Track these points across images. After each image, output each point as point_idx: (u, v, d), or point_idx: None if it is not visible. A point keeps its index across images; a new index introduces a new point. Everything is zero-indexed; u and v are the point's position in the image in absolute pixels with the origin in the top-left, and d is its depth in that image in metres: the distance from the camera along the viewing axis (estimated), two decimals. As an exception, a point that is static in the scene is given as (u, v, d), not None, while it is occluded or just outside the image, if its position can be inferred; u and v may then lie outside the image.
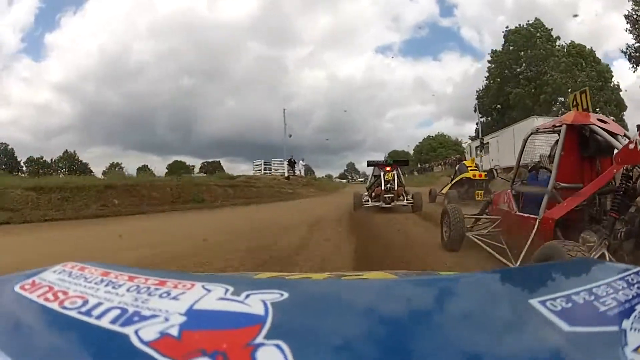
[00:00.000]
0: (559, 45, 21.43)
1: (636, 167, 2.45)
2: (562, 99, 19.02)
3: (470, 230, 4.14)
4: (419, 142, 36.46)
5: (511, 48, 22.10)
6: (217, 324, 0.37)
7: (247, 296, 0.41)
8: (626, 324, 0.39)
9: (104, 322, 0.37)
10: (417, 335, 0.39)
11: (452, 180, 9.51)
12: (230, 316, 0.38)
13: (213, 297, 0.42)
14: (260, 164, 23.58)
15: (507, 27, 22.43)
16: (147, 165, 24.84)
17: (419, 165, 32.71)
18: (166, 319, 0.37)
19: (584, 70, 20.28)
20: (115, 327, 0.36)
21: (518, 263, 2.92)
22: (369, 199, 8.05)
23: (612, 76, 21.49)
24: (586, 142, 2.98)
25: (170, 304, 0.40)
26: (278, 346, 0.33)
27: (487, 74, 23.15)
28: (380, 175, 8.09)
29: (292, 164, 21.99)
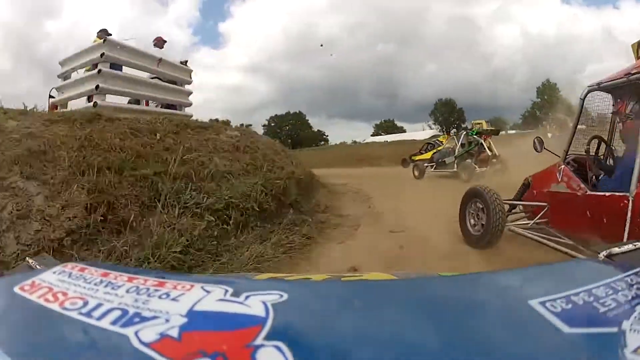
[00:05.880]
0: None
1: None
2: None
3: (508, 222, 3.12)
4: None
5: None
6: (217, 325, 0.37)
7: (247, 297, 0.41)
8: (626, 325, 0.39)
9: (104, 323, 0.37)
10: (417, 337, 0.39)
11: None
12: (230, 317, 0.38)
13: (213, 298, 0.42)
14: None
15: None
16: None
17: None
18: (166, 320, 0.37)
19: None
20: (116, 328, 0.36)
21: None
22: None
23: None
24: None
25: (170, 305, 0.40)
26: (278, 347, 0.33)
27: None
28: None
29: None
